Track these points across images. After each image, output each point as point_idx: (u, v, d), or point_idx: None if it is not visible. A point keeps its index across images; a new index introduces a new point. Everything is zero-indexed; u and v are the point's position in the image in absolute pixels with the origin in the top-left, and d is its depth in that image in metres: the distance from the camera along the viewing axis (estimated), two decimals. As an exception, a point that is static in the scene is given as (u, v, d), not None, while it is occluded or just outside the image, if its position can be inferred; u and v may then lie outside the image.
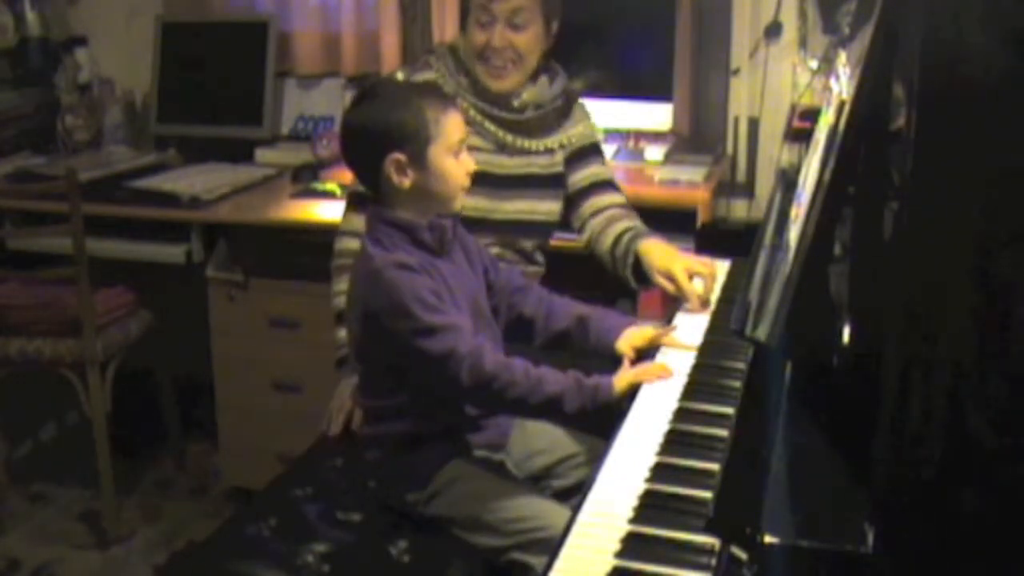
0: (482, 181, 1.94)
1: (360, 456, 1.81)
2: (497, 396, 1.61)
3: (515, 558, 1.62)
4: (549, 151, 2.18)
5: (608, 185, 2.22)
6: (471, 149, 1.79)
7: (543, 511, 1.62)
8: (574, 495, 1.34)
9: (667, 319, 1.97)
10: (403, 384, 1.69)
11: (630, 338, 1.79)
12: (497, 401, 1.65)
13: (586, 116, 2.26)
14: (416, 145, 1.63)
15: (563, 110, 2.21)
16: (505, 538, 1.63)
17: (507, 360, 1.62)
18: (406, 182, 1.64)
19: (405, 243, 1.65)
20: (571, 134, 2.20)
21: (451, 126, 1.66)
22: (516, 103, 2.13)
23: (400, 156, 1.63)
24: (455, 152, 1.67)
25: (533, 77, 2.13)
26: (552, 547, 1.27)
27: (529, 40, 2.07)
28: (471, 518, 1.66)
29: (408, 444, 1.72)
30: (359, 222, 1.85)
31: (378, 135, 1.63)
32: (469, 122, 1.99)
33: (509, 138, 2.13)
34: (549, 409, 1.63)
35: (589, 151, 2.23)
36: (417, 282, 1.61)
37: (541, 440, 1.81)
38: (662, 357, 1.75)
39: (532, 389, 1.60)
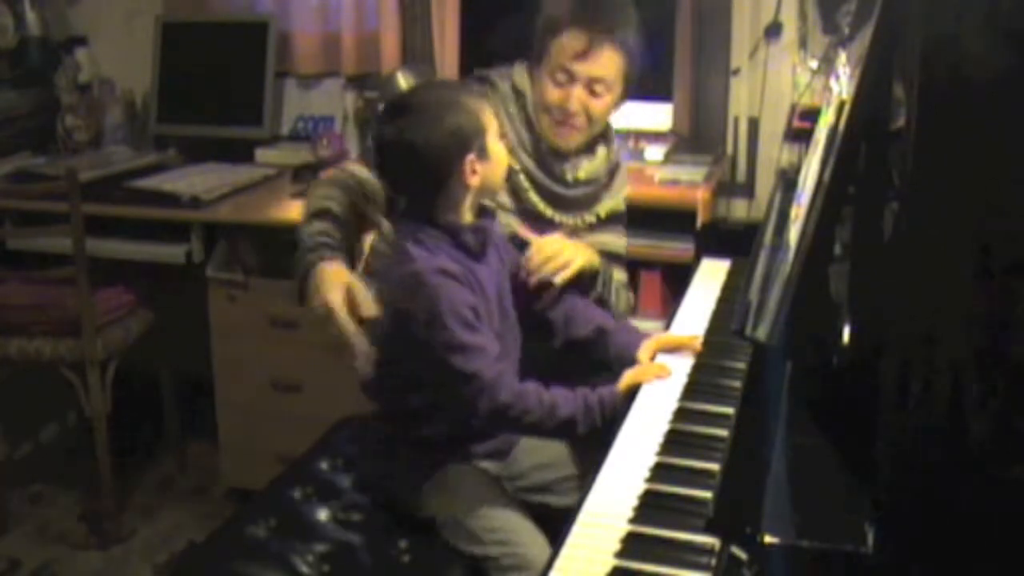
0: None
1: (362, 453, 1.81)
2: (512, 423, 1.63)
3: (492, 567, 1.65)
4: (577, 226, 2.05)
5: (612, 259, 2.07)
6: (501, 209, 1.88)
7: (521, 529, 1.65)
8: (566, 515, 1.34)
9: (668, 316, 1.98)
10: (419, 389, 1.69)
11: (649, 345, 1.78)
12: (512, 427, 1.67)
13: (624, 185, 2.14)
14: (479, 141, 1.67)
15: (608, 183, 2.09)
16: (485, 547, 1.65)
17: (522, 389, 1.61)
18: (476, 180, 1.67)
19: (448, 246, 1.67)
20: (606, 207, 2.08)
21: (488, 112, 1.71)
22: (570, 177, 2.01)
23: (472, 156, 1.66)
24: (499, 136, 1.73)
25: (593, 145, 2.03)
26: (523, 568, 1.27)
27: (605, 107, 1.96)
28: (454, 521, 1.68)
29: (411, 446, 1.73)
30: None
31: (450, 145, 1.64)
32: (514, 187, 1.95)
33: (548, 212, 2.01)
34: (562, 432, 1.65)
35: (609, 219, 2.10)
36: (457, 296, 1.61)
37: (545, 455, 1.82)
38: (661, 358, 1.75)
39: (546, 415, 1.61)
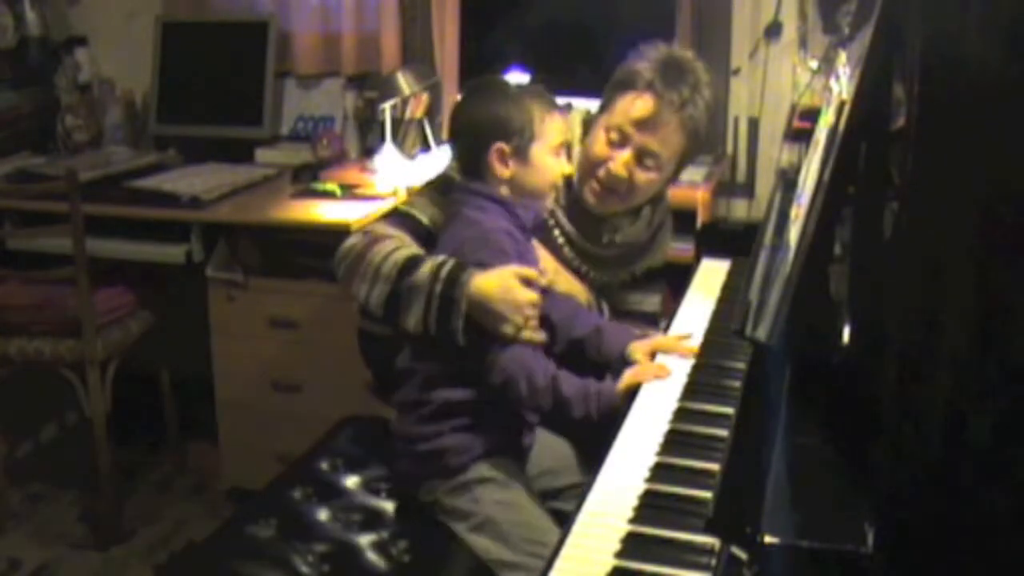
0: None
1: (368, 453, 1.80)
2: (520, 393, 1.64)
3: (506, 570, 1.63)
4: (610, 283, 2.01)
5: (643, 320, 2.00)
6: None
7: (553, 536, 1.61)
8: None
9: (668, 316, 1.98)
10: (452, 379, 1.71)
11: (644, 347, 1.78)
12: (519, 398, 1.66)
13: (665, 244, 2.05)
14: (521, 140, 1.71)
15: (648, 244, 2.01)
16: (513, 553, 1.63)
17: (533, 364, 1.64)
18: (506, 172, 1.72)
19: (504, 216, 1.72)
20: (643, 266, 2.02)
21: (554, 128, 1.73)
22: (605, 239, 1.94)
23: (504, 146, 1.71)
24: (555, 152, 1.74)
25: (638, 208, 1.95)
26: None
27: (652, 183, 1.86)
28: (491, 522, 1.66)
29: (447, 434, 1.72)
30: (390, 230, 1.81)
31: (486, 124, 1.72)
32: (545, 241, 1.89)
33: (583, 269, 1.96)
34: (559, 411, 1.65)
35: (643, 278, 2.04)
36: (513, 256, 1.69)
37: (555, 460, 1.82)
38: (660, 358, 1.75)
39: (549, 390, 1.63)
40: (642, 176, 1.83)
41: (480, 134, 1.72)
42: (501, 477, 1.71)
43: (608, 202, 1.87)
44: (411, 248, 1.74)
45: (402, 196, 1.94)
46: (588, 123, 1.92)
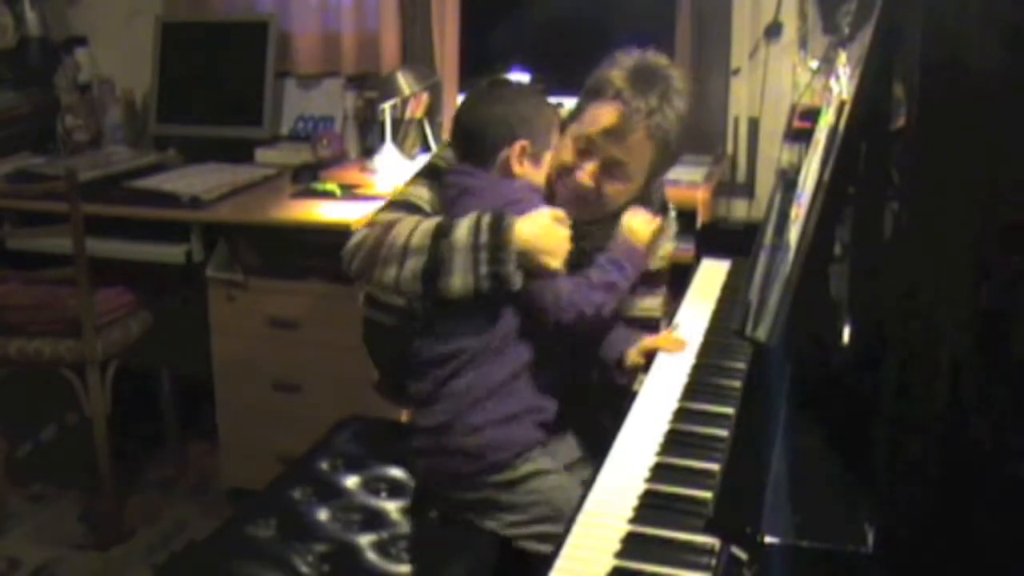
0: None
1: (418, 431, 1.78)
2: (583, 323, 1.71)
3: None
4: None
5: (646, 326, 1.90)
6: None
7: None
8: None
9: (668, 316, 1.97)
10: (503, 351, 1.71)
11: (640, 347, 1.80)
12: (582, 326, 1.72)
13: (657, 248, 1.90)
14: (540, 143, 1.76)
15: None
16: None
17: (583, 291, 1.71)
18: (519, 170, 1.75)
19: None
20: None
21: (558, 138, 1.80)
22: (578, 245, 1.79)
23: (527, 145, 1.75)
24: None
25: (614, 217, 1.82)
26: None
27: (620, 193, 1.78)
28: (553, 508, 1.64)
29: (498, 424, 1.70)
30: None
31: (515, 121, 1.75)
32: None
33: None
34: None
35: (645, 281, 1.90)
36: (538, 202, 1.75)
37: (565, 455, 1.82)
38: (658, 366, 1.75)
39: (605, 303, 1.73)
40: (609, 187, 1.76)
41: (506, 129, 1.75)
42: (551, 462, 1.72)
43: (577, 209, 1.79)
44: (433, 219, 1.73)
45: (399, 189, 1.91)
46: (564, 125, 1.85)
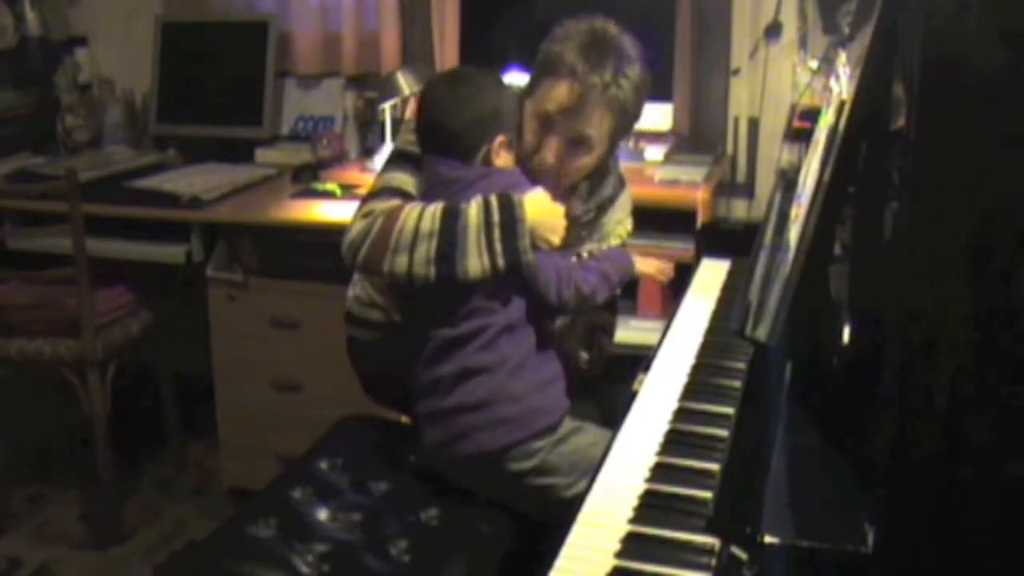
0: None
1: (448, 411, 1.76)
2: (592, 299, 1.80)
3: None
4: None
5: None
6: None
7: None
8: (566, 511, 1.34)
9: (668, 316, 1.98)
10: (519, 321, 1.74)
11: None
12: (591, 302, 1.81)
13: (612, 217, 1.95)
14: (515, 131, 1.78)
15: (591, 222, 1.93)
16: None
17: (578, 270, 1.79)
18: (499, 162, 1.76)
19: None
20: (594, 242, 1.94)
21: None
22: None
23: (505, 139, 1.75)
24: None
25: (572, 188, 1.87)
26: None
27: (586, 165, 1.81)
28: (593, 462, 1.58)
29: (539, 390, 1.74)
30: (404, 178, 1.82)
31: (504, 113, 1.76)
32: None
33: None
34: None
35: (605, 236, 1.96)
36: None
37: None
38: (658, 366, 1.75)
39: (608, 280, 1.83)
40: (574, 162, 1.79)
41: (484, 130, 1.75)
42: (582, 421, 1.76)
43: (545, 185, 1.78)
44: (438, 204, 1.71)
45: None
46: (520, 102, 1.84)
